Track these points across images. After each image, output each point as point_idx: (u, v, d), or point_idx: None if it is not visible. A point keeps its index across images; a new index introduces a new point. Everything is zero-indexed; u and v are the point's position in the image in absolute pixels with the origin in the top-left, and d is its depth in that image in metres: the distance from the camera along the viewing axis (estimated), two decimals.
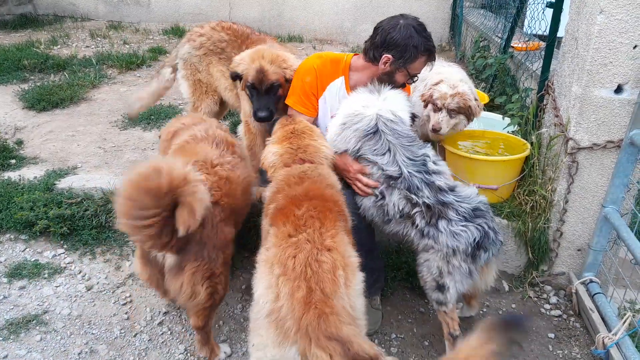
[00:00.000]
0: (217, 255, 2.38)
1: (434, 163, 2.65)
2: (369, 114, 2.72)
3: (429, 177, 2.57)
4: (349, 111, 2.78)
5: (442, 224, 2.49)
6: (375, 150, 2.66)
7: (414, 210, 2.53)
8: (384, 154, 2.64)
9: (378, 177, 2.63)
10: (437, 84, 3.41)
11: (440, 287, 2.57)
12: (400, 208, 2.56)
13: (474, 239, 2.46)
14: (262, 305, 1.90)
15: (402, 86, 3.06)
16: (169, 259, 2.34)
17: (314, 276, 1.89)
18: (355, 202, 2.74)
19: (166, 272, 2.37)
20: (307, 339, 1.76)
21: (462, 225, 2.47)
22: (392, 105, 2.78)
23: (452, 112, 3.32)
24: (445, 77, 3.46)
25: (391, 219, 2.62)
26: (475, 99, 3.39)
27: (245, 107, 3.47)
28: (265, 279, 1.96)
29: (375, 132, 2.68)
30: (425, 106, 3.44)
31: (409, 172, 2.57)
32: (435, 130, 3.35)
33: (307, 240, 2.03)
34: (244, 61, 3.16)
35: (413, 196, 2.53)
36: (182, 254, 2.30)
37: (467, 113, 3.37)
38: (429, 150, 2.72)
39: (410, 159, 2.62)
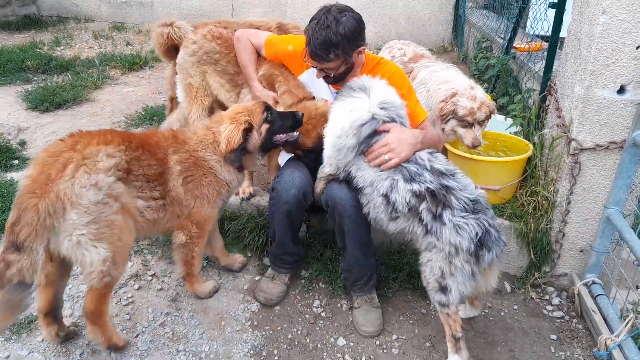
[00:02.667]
0: None
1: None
2: (364, 117, 2.67)
3: (425, 162, 2.59)
4: (344, 124, 2.69)
5: (446, 214, 2.45)
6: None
7: (422, 206, 2.50)
8: None
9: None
10: (452, 96, 3.40)
11: (443, 289, 2.55)
12: (408, 200, 2.52)
13: (476, 234, 2.42)
14: None
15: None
16: None
17: (51, 165, 2.35)
18: (356, 197, 2.73)
19: None
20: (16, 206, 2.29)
21: (463, 217, 2.44)
22: (383, 97, 2.76)
23: (481, 123, 3.40)
24: (454, 86, 3.45)
25: (399, 215, 2.58)
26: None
27: None
28: None
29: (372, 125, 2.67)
30: (444, 120, 3.44)
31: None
32: (475, 146, 3.40)
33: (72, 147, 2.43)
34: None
35: (415, 185, 2.50)
36: None
37: (489, 117, 3.47)
38: None
39: None
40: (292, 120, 2.95)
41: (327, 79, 2.97)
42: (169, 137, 2.84)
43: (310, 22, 2.81)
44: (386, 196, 2.58)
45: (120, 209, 2.47)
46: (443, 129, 3.48)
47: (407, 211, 2.54)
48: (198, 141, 2.86)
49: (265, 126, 2.90)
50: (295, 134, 2.97)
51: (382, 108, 2.69)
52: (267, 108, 2.94)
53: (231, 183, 2.96)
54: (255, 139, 2.88)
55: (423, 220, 2.51)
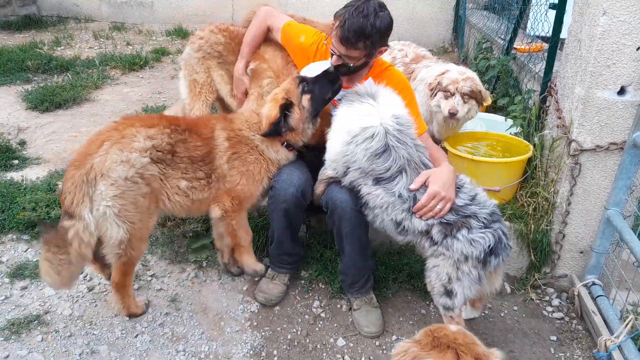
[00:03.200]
0: None
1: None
2: (375, 126, 2.57)
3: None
4: (352, 128, 2.63)
5: (462, 232, 2.46)
6: (388, 169, 2.54)
7: (433, 230, 2.51)
8: (399, 176, 2.55)
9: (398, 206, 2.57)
10: (443, 73, 3.46)
11: (448, 293, 2.55)
12: (420, 228, 2.54)
13: (489, 245, 2.44)
14: None
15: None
16: None
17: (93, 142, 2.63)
18: (357, 201, 2.70)
19: None
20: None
21: (481, 232, 2.45)
22: (394, 109, 2.69)
23: (464, 97, 3.39)
24: (449, 67, 3.56)
25: (409, 234, 2.61)
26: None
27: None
28: None
29: (384, 150, 2.56)
30: (433, 95, 3.47)
31: None
32: (452, 115, 3.39)
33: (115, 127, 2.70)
34: None
35: (431, 220, 2.51)
36: None
37: (478, 98, 3.46)
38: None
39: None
40: (327, 78, 2.91)
41: (341, 67, 2.90)
42: (218, 117, 3.06)
43: (346, 6, 2.76)
44: (398, 223, 2.58)
45: (149, 194, 2.62)
46: (430, 105, 3.52)
47: (418, 233, 2.56)
48: (244, 120, 2.98)
49: (306, 97, 2.90)
50: (339, 83, 2.92)
51: (394, 122, 2.61)
52: (302, 80, 2.94)
53: (280, 162, 3.01)
54: (297, 114, 2.90)
55: (433, 238, 2.52)
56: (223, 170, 2.86)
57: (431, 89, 3.50)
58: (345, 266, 3.05)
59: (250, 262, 3.14)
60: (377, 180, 2.57)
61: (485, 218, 2.48)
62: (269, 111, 2.90)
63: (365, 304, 3.05)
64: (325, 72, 2.91)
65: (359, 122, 2.62)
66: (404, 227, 2.57)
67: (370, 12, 2.68)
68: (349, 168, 2.65)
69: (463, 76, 3.41)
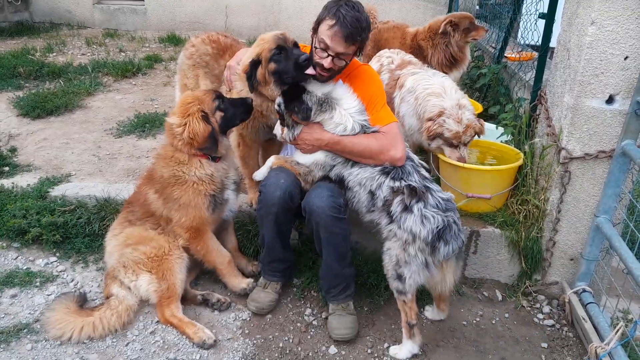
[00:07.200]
0: None
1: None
2: (352, 126, 2.83)
3: (418, 167, 2.83)
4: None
5: (418, 206, 2.62)
6: None
7: (396, 200, 2.66)
8: None
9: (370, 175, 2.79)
10: (439, 115, 3.34)
11: (399, 277, 2.71)
12: (384, 196, 2.70)
13: (437, 227, 2.57)
14: None
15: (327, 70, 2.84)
16: None
17: None
18: (334, 207, 2.78)
19: None
20: None
21: (434, 212, 2.60)
22: (352, 103, 2.89)
23: (467, 144, 3.44)
24: (442, 104, 3.39)
25: (375, 209, 2.75)
26: (475, 115, 3.46)
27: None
28: None
29: None
30: (432, 139, 3.42)
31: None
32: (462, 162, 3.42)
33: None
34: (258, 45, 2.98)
35: (397, 183, 2.69)
36: None
37: (477, 135, 3.48)
38: None
39: None
40: (245, 106, 3.04)
41: (324, 72, 2.83)
42: (143, 178, 3.24)
43: (327, 7, 2.72)
44: (372, 193, 2.75)
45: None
46: (429, 144, 3.49)
47: (381, 205, 2.71)
48: (161, 161, 3.07)
49: (219, 114, 3.01)
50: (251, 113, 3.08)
51: (360, 117, 2.87)
52: (218, 96, 3.04)
53: (213, 174, 3.03)
54: (214, 122, 2.99)
55: (391, 213, 2.67)
56: (164, 214, 3.07)
57: (431, 134, 3.37)
58: (323, 271, 3.07)
59: (235, 282, 3.24)
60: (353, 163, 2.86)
61: (439, 202, 2.65)
62: (194, 127, 2.89)
63: (342, 309, 3.04)
64: (244, 101, 3.04)
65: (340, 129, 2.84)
66: (374, 199, 2.74)
67: (356, 5, 2.73)
68: (336, 163, 2.89)
69: (462, 127, 3.30)
